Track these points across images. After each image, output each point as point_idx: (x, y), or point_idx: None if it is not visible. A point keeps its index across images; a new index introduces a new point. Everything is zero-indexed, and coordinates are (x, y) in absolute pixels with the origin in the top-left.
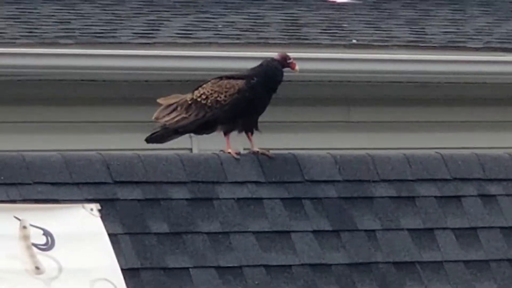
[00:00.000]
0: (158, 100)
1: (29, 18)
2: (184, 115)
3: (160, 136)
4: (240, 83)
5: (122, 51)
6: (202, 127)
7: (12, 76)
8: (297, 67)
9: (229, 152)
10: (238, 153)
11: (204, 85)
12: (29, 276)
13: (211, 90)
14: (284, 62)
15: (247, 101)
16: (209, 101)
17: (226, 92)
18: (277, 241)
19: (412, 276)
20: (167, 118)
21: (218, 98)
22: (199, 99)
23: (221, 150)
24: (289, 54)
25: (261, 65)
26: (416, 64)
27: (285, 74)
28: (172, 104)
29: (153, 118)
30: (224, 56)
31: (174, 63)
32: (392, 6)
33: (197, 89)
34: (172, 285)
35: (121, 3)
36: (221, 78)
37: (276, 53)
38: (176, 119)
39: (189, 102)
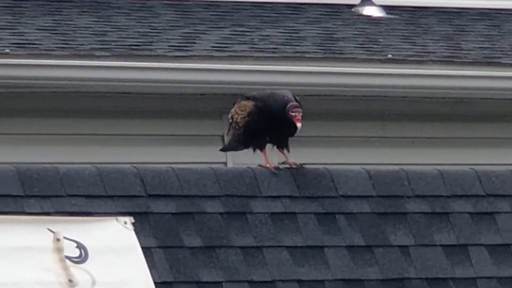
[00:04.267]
0: None
1: (65, 29)
2: (229, 132)
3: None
4: (250, 105)
5: (158, 64)
6: (239, 144)
7: (47, 88)
8: (298, 124)
9: (267, 166)
10: (276, 167)
11: (235, 103)
12: None
13: (234, 110)
14: (289, 111)
15: (258, 124)
16: (233, 120)
17: (241, 114)
18: (310, 256)
19: None
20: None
21: (237, 120)
22: (230, 118)
23: (259, 165)
24: (297, 108)
25: (271, 94)
26: (451, 79)
27: (319, 88)
28: None
29: None
30: (259, 69)
31: (209, 76)
32: (428, 21)
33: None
34: None
35: (157, 16)
36: (242, 97)
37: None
38: (228, 136)
39: (229, 120)
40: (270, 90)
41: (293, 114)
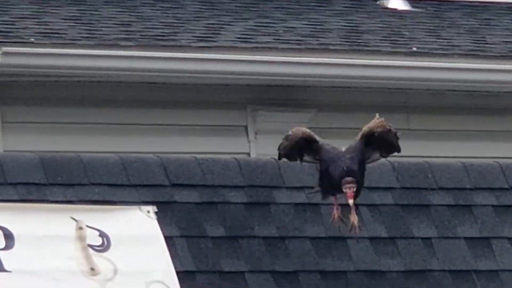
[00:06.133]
0: None
1: (90, 19)
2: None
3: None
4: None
5: (182, 54)
6: None
7: (72, 77)
8: (350, 201)
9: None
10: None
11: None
12: (85, 277)
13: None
14: (343, 185)
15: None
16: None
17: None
18: (333, 247)
19: (468, 284)
20: None
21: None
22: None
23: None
24: (350, 183)
25: (333, 159)
26: (476, 73)
27: (344, 80)
28: None
29: None
30: (284, 61)
31: (234, 67)
32: (453, 15)
33: None
34: None
35: (182, 7)
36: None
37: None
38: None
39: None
40: (333, 150)
41: (345, 190)
